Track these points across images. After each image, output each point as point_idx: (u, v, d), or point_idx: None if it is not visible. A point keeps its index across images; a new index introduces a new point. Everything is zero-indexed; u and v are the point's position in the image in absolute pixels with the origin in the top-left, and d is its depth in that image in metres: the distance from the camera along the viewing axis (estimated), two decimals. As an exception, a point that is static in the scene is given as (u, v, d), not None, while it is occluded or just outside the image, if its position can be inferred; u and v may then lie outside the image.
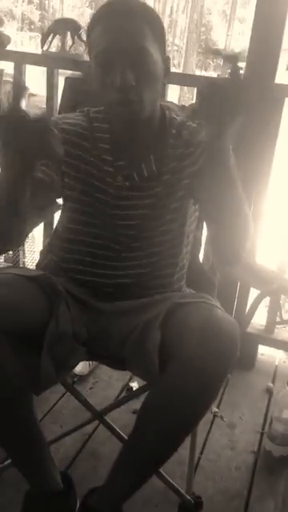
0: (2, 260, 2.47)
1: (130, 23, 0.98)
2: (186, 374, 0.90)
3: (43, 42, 1.95)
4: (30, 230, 1.13)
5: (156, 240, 1.12)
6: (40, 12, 35.08)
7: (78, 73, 1.68)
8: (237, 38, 34.47)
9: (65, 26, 1.92)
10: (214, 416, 1.68)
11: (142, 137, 1.08)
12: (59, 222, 1.23)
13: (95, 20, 1.02)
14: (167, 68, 1.06)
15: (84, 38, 1.88)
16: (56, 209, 1.31)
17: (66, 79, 1.54)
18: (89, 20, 1.04)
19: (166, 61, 1.06)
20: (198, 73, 22.93)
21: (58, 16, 32.92)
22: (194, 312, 0.98)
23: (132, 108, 1.00)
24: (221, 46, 36.84)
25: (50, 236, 1.32)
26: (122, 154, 1.09)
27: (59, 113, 1.51)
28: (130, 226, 1.11)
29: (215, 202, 1.01)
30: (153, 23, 1.01)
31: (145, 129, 1.07)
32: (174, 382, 0.92)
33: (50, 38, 1.94)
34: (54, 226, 1.31)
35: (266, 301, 2.04)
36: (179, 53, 29.99)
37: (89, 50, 1.04)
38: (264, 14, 1.63)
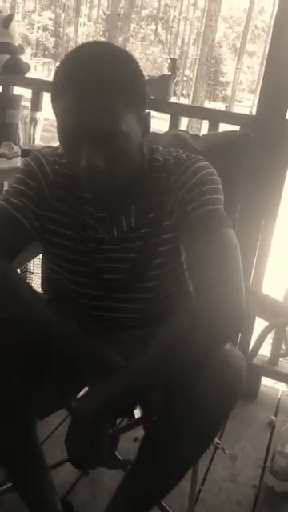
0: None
1: (99, 100, 0.85)
2: (192, 409, 0.89)
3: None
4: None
5: (141, 296, 1.07)
6: (54, 39, 36.01)
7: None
8: (245, 71, 35.24)
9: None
10: (216, 447, 1.67)
11: (118, 194, 0.98)
12: (43, 264, 1.18)
13: (61, 76, 0.88)
14: (146, 126, 0.95)
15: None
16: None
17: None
18: (54, 75, 0.90)
19: (145, 118, 0.95)
20: (206, 103, 23.38)
21: (71, 44, 33.78)
22: None
23: (102, 185, 0.93)
24: (230, 78, 37.58)
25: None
26: (103, 205, 1.03)
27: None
28: (114, 279, 1.06)
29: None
30: (127, 84, 0.87)
31: (120, 189, 0.97)
32: (179, 416, 0.91)
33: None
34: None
35: (272, 332, 2.05)
36: (189, 83, 30.61)
37: (53, 110, 0.91)
38: (278, 54, 1.69)
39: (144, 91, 0.93)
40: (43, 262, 1.17)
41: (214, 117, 1.84)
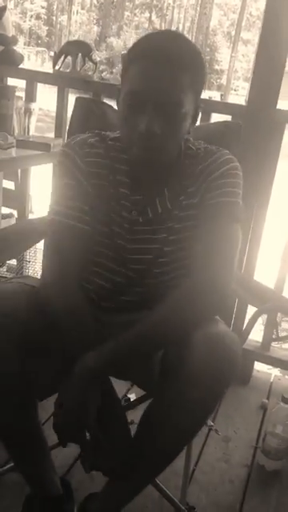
0: (5, 270, 2.52)
1: (169, 71, 0.95)
2: (188, 387, 0.92)
3: (55, 62, 2.03)
4: None
5: (167, 277, 1.12)
6: (47, 28, 35.66)
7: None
8: (240, 59, 35.04)
9: (77, 47, 1.99)
10: (210, 429, 1.72)
11: (158, 174, 1.09)
12: None
13: (137, 51, 1.00)
14: (196, 116, 1.07)
15: (94, 59, 1.97)
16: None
17: (77, 99, 1.60)
18: (131, 47, 1.02)
19: (198, 109, 1.06)
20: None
21: (65, 32, 33.46)
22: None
23: (151, 154, 1.00)
24: (225, 66, 37.38)
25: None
26: (138, 189, 1.10)
27: (69, 131, 1.57)
28: (142, 260, 1.11)
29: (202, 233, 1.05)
30: (194, 71, 0.99)
31: (161, 168, 1.07)
32: (176, 394, 0.94)
33: (61, 58, 2.02)
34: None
35: (264, 318, 2.10)
36: (183, 72, 30.36)
37: (122, 80, 1.03)
38: (268, 43, 1.71)
39: (203, 83, 1.03)
40: None
41: (206, 107, 1.87)
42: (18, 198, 2.39)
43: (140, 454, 1.03)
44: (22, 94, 2.13)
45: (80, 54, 1.99)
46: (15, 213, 2.52)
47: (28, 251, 2.39)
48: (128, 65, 1.01)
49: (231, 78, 33.90)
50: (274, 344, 2.08)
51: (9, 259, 2.19)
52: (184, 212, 1.10)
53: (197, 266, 1.02)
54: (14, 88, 1.98)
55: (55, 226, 1.07)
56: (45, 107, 3.33)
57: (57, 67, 2.06)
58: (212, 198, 1.06)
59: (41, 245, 2.30)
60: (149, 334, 0.95)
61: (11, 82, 2.19)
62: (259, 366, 2.13)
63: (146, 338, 0.95)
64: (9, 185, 2.45)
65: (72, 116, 1.60)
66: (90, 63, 2.02)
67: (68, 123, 1.62)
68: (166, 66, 0.95)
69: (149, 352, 1.00)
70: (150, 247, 1.10)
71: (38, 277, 1.34)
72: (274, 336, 2.02)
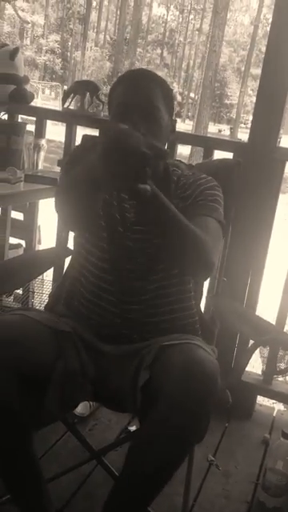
0: (12, 299, 2.56)
1: (145, 85, 1.21)
2: (169, 410, 0.96)
3: (64, 100, 2.11)
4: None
5: (162, 283, 1.22)
6: (60, 60, 36.77)
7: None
8: (250, 94, 35.72)
9: (85, 87, 2.08)
10: (210, 464, 1.71)
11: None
12: (73, 259, 1.36)
13: (117, 82, 1.25)
14: (173, 127, 1.28)
15: (101, 98, 2.06)
16: (68, 253, 1.42)
17: (83, 136, 1.67)
18: (113, 82, 1.28)
19: (173, 122, 1.27)
20: (211, 125, 23.66)
21: (79, 67, 34.47)
22: (178, 352, 1.04)
23: None
24: (234, 100, 38.07)
25: (60, 280, 1.41)
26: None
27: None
28: (141, 262, 1.21)
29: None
30: (165, 90, 1.24)
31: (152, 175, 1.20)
32: (158, 417, 0.97)
33: (70, 97, 2.10)
34: (64, 271, 1.41)
35: (265, 351, 2.10)
36: (194, 106, 31.04)
37: (109, 106, 1.26)
38: (268, 82, 1.78)
39: (173, 104, 1.27)
40: (73, 258, 1.38)
41: (209, 144, 1.93)
42: (26, 229, 2.45)
43: (129, 479, 1.04)
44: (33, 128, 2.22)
45: (88, 93, 2.07)
46: (23, 243, 2.57)
47: (34, 281, 2.43)
48: (113, 91, 1.24)
49: (241, 112, 34.50)
50: (279, 378, 2.08)
51: (13, 289, 2.22)
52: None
53: None
54: (24, 124, 2.07)
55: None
56: (57, 139, 3.42)
57: (66, 105, 2.14)
58: (202, 200, 1.24)
59: (46, 276, 2.35)
60: (180, 224, 1.08)
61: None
62: (262, 400, 2.11)
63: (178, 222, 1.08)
64: (17, 215, 2.52)
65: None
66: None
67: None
68: (143, 82, 1.21)
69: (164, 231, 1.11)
70: (149, 246, 1.21)
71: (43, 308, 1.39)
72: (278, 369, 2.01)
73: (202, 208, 1.23)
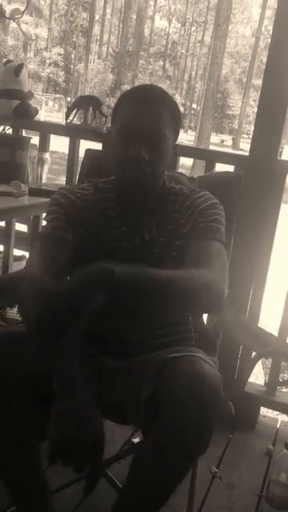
0: (15, 311, 2.57)
1: (154, 108, 1.16)
2: (173, 422, 0.97)
3: (68, 115, 2.15)
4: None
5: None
6: (64, 72, 37.12)
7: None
8: (252, 105, 35.92)
9: (88, 101, 2.12)
10: (213, 476, 1.71)
11: (144, 203, 1.22)
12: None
13: (126, 96, 1.21)
14: (175, 153, 1.23)
15: (104, 112, 2.09)
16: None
17: (87, 150, 1.70)
18: (120, 95, 1.24)
19: (175, 147, 1.23)
20: (213, 135, 23.77)
21: (82, 79, 34.79)
22: (181, 365, 1.05)
23: (140, 177, 1.14)
24: (236, 111, 38.31)
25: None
26: (126, 220, 1.22)
27: (79, 180, 1.66)
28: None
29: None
30: (174, 113, 1.19)
31: (147, 196, 1.20)
32: (162, 429, 0.98)
33: (74, 112, 2.14)
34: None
35: (268, 362, 2.10)
36: (196, 116, 31.24)
37: (113, 119, 1.22)
38: (269, 96, 1.81)
39: (180, 126, 1.23)
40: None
41: (210, 157, 1.96)
42: (30, 241, 2.47)
43: (133, 491, 1.05)
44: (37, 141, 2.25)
45: (91, 108, 2.11)
46: (27, 255, 2.60)
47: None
48: (119, 105, 1.20)
49: (243, 123, 34.67)
50: (283, 389, 2.08)
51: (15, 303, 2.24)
52: (173, 242, 1.21)
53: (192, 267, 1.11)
54: (28, 139, 2.10)
55: (43, 236, 1.20)
56: (60, 150, 3.45)
57: (70, 119, 2.18)
58: (205, 221, 1.20)
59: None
60: (159, 283, 1.01)
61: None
62: (266, 411, 2.11)
63: (158, 281, 1.01)
64: (21, 227, 2.54)
65: (81, 166, 1.69)
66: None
67: (79, 171, 1.72)
68: (152, 104, 1.16)
69: (151, 298, 1.02)
70: None
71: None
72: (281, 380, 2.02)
73: (203, 231, 1.19)
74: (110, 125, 1.26)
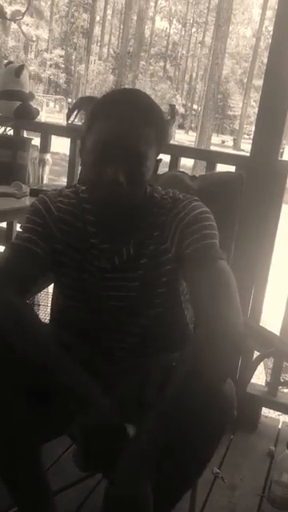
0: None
1: (137, 123, 1.01)
2: (186, 429, 0.94)
3: (68, 116, 2.15)
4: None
5: (145, 322, 1.15)
6: (65, 74, 37.17)
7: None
8: (253, 105, 35.94)
9: (89, 102, 2.11)
10: (215, 477, 1.70)
11: (124, 220, 1.10)
12: (54, 293, 1.30)
13: (104, 104, 1.04)
14: (156, 168, 1.11)
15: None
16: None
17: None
18: (97, 100, 1.07)
19: (157, 162, 1.11)
20: (214, 136, 23.78)
21: (82, 80, 34.83)
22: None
23: (114, 200, 1.03)
24: (237, 112, 38.32)
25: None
26: (106, 237, 1.13)
27: (79, 180, 1.66)
28: (120, 307, 1.14)
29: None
30: (157, 125, 1.04)
31: (126, 213, 1.08)
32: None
33: (74, 113, 2.14)
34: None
35: (269, 363, 2.10)
36: (197, 117, 31.25)
37: (88, 127, 1.06)
38: (269, 96, 1.80)
39: (165, 138, 1.09)
40: (54, 292, 1.27)
41: (211, 158, 1.96)
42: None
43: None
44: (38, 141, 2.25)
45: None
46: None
47: (39, 294, 2.45)
48: (95, 114, 1.04)
49: (243, 123, 34.70)
50: (284, 390, 2.08)
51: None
52: (155, 259, 1.11)
53: (203, 316, 1.01)
54: (29, 140, 2.10)
55: (14, 246, 1.11)
56: (61, 151, 3.45)
57: (70, 120, 2.18)
58: (192, 243, 1.05)
59: (51, 288, 2.36)
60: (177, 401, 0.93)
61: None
62: (267, 412, 2.11)
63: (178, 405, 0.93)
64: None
65: (81, 167, 1.69)
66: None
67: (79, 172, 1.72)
68: (133, 120, 1.01)
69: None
70: (125, 294, 1.13)
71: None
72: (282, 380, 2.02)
73: (194, 258, 1.05)
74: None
